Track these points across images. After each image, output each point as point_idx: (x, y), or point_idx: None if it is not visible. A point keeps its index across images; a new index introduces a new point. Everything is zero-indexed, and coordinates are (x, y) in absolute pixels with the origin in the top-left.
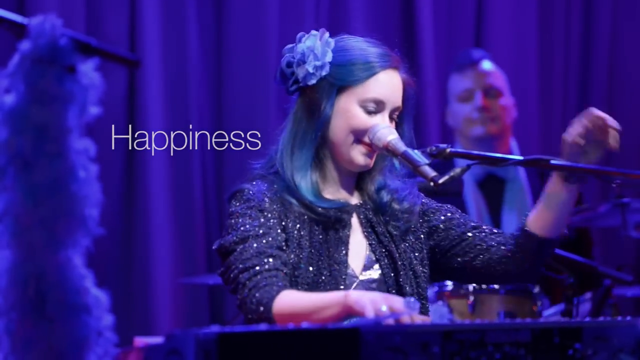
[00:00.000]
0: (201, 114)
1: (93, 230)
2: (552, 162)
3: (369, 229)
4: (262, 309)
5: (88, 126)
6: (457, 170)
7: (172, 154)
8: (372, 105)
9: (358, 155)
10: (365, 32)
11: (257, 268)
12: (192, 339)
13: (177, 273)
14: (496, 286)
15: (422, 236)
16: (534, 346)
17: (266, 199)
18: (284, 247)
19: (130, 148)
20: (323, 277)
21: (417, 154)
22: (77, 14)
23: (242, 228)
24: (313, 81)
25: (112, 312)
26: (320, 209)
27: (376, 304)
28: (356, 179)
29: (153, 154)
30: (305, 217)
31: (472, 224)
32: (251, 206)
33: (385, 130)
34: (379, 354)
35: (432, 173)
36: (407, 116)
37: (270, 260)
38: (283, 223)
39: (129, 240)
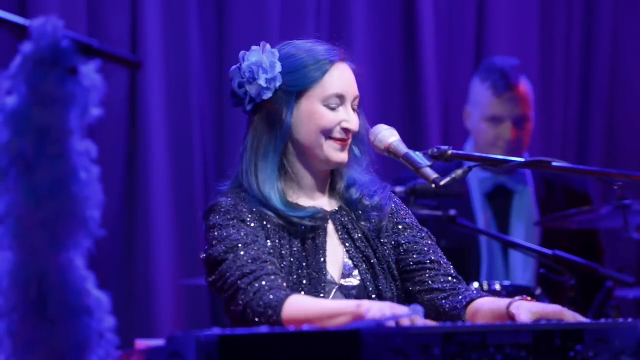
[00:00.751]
0: (203, 115)
1: (94, 232)
2: (554, 163)
3: (345, 235)
4: (270, 312)
5: (89, 127)
6: (459, 172)
7: (173, 156)
8: (333, 100)
9: (332, 152)
10: (366, 32)
11: (256, 273)
12: (193, 341)
13: (179, 275)
14: (497, 287)
15: (391, 242)
16: (535, 348)
17: (244, 209)
18: (273, 254)
19: (131, 149)
20: (303, 285)
21: (418, 156)
22: (79, 16)
23: (228, 238)
24: (269, 94)
25: (113, 314)
26: (294, 218)
27: (384, 313)
28: (328, 182)
29: (154, 156)
30: (283, 227)
31: (433, 257)
32: (231, 217)
33: (387, 132)
34: (379, 356)
35: (433, 175)
36: (360, 106)
37: (268, 265)
38: (264, 231)
39: (130, 242)
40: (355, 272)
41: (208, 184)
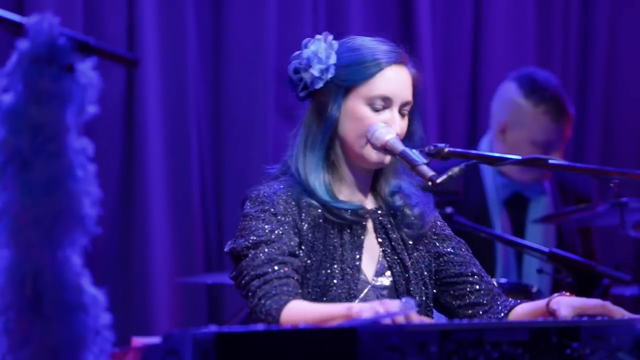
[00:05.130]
0: (199, 113)
1: (91, 229)
2: (550, 161)
3: (384, 234)
4: (270, 319)
5: (86, 125)
6: (455, 169)
7: (170, 153)
8: (379, 102)
9: (371, 153)
10: (364, 33)
11: (267, 276)
12: (189, 339)
13: (175, 272)
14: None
15: (430, 252)
16: (531, 345)
17: (280, 201)
18: (297, 252)
19: (128, 147)
20: (335, 281)
21: (415, 153)
22: (75, 13)
23: (254, 233)
24: (320, 85)
25: (109, 311)
26: (336, 210)
27: (376, 312)
28: (371, 181)
29: (151, 153)
30: (321, 220)
31: (474, 269)
32: (265, 209)
33: (384, 130)
34: (376, 354)
35: (430, 172)
36: (416, 114)
37: (281, 267)
38: (297, 226)
39: (127, 240)
40: (388, 272)
41: (205, 181)
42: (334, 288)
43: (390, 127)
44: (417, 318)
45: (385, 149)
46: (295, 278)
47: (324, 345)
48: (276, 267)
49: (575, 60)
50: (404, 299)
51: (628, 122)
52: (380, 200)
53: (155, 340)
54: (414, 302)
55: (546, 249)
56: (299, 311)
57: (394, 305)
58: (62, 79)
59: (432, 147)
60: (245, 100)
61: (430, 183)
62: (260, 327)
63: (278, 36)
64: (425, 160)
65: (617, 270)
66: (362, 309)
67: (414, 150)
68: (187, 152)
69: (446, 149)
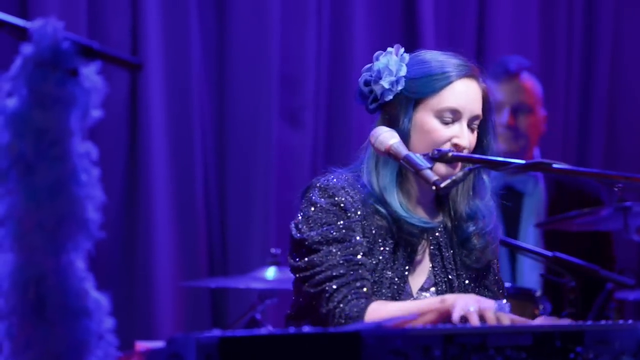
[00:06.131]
0: (203, 116)
1: (95, 234)
2: (554, 165)
3: (437, 251)
4: (351, 323)
5: (90, 129)
6: (459, 174)
7: (174, 157)
8: (448, 115)
9: (440, 167)
10: (367, 33)
11: (345, 278)
12: (193, 343)
13: (179, 277)
14: None
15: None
16: (535, 350)
17: (349, 197)
18: (367, 251)
19: (132, 151)
20: (382, 288)
21: (419, 158)
22: (79, 17)
23: (325, 227)
24: (390, 97)
25: (113, 315)
26: (407, 225)
27: (466, 305)
28: (435, 196)
29: (155, 157)
30: (381, 225)
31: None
32: (335, 203)
33: (387, 134)
34: (380, 358)
35: (433, 177)
36: (489, 128)
37: (358, 269)
38: (361, 224)
39: (131, 244)
40: (433, 289)
41: (208, 185)
42: (378, 295)
43: (392, 131)
44: (506, 319)
45: (389, 153)
46: (370, 280)
47: (328, 349)
48: (354, 269)
49: (579, 62)
50: (499, 301)
51: (632, 126)
52: (446, 217)
53: (158, 344)
54: (508, 306)
55: (549, 253)
56: (385, 311)
57: (488, 302)
58: (66, 83)
59: (436, 152)
60: (249, 104)
61: (434, 188)
62: (263, 331)
63: (282, 39)
64: (429, 165)
65: (620, 275)
66: (456, 300)
67: (417, 155)
68: (191, 156)
69: (450, 154)
